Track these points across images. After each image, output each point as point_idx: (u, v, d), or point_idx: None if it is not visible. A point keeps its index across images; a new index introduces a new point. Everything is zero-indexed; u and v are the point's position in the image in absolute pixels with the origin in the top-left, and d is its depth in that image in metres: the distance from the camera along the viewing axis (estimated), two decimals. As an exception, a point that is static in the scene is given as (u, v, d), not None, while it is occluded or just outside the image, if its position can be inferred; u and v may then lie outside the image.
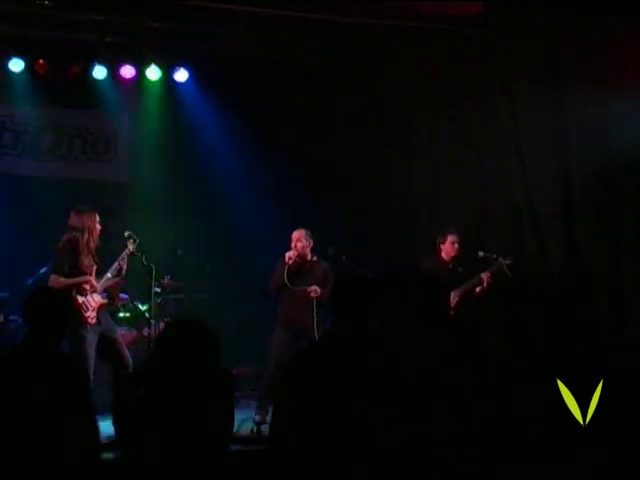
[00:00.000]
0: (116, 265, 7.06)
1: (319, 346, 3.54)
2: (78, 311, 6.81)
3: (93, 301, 6.95)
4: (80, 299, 6.87)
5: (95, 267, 7.02)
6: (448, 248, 7.97)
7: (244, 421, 6.95)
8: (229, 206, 10.29)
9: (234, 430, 4.00)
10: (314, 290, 7.52)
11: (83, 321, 6.82)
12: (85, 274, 6.95)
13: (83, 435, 4.00)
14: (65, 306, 4.16)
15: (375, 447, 2.92)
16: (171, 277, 8.96)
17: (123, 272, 7.13)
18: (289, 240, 7.89)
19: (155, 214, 9.65)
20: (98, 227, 7.05)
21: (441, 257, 8.01)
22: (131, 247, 7.17)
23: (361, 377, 3.05)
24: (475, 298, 7.81)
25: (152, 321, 7.92)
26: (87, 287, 6.93)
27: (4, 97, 9.82)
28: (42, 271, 8.31)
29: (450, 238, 7.96)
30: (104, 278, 7.07)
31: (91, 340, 6.85)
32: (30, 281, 7.90)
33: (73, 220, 7.02)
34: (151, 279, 7.18)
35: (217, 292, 9.44)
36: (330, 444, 2.94)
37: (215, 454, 3.69)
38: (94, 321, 6.89)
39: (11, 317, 8.45)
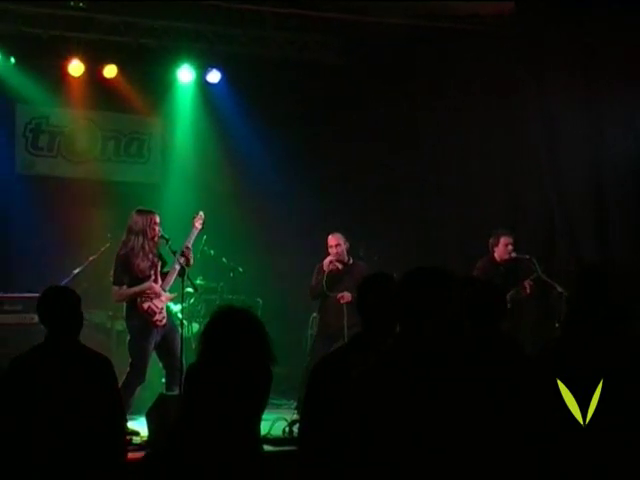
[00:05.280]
0: (178, 260, 7.14)
1: (345, 349, 3.51)
2: (144, 315, 7.01)
3: (160, 302, 7.12)
4: (145, 305, 7.05)
5: (154, 269, 7.14)
6: (501, 250, 7.81)
7: (275, 421, 6.79)
8: (261, 206, 10.31)
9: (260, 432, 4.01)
10: (342, 296, 7.54)
11: (151, 324, 7.05)
12: (143, 278, 7.09)
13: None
14: (75, 301, 4.23)
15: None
16: (203, 278, 8.98)
17: (191, 262, 7.21)
18: (320, 243, 7.87)
19: (187, 216, 9.68)
20: (157, 229, 7.14)
21: (494, 258, 7.87)
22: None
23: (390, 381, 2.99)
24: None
25: (184, 322, 7.95)
26: (150, 293, 7.08)
27: (40, 99, 9.91)
28: (76, 272, 8.42)
29: (503, 240, 7.80)
30: (170, 274, 7.21)
31: (153, 340, 7.07)
32: (65, 282, 7.96)
33: (131, 221, 7.16)
34: (183, 280, 7.20)
35: (249, 293, 9.45)
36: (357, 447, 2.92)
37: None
38: (163, 322, 7.12)
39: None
